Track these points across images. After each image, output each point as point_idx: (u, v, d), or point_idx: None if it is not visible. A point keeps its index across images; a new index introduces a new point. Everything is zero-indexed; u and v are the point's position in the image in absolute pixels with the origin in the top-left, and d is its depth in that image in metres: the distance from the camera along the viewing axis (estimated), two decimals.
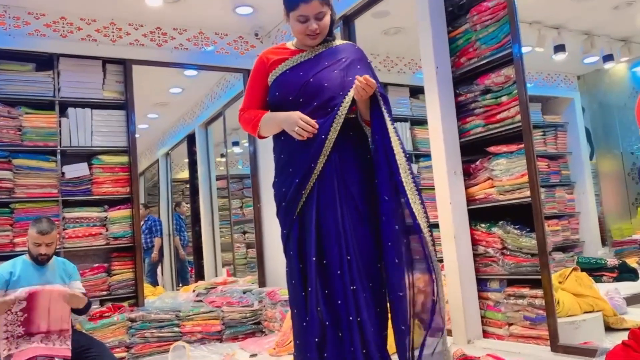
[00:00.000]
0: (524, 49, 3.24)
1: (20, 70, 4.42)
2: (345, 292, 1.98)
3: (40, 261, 3.42)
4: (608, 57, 3.98)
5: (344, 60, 2.18)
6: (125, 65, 4.78)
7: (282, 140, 2.17)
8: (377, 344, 1.99)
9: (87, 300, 3.45)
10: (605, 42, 3.93)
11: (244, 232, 6.61)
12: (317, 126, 2.05)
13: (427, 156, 4.32)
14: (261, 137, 2.26)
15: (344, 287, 1.98)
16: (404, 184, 2.00)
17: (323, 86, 2.09)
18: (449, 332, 3.46)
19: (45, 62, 4.53)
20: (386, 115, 2.05)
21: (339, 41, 2.29)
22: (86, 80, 4.64)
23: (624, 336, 2.19)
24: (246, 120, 2.25)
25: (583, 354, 2.77)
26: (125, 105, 4.76)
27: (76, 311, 3.43)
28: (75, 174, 4.51)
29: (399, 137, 2.08)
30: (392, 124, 2.06)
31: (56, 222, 3.75)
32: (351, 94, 2.07)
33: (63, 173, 4.46)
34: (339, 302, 1.97)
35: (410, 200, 1.99)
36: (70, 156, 4.58)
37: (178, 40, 5.06)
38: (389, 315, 2.07)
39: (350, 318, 1.96)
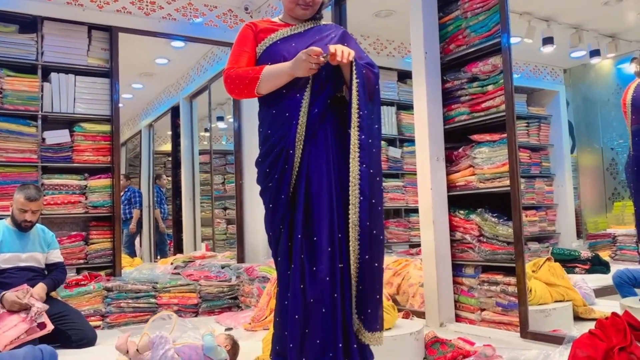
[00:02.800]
0: (513, 40, 3.26)
1: (3, 31, 4.32)
2: (334, 270, 1.98)
3: (23, 228, 3.39)
4: (595, 53, 4.01)
5: (333, 35, 2.18)
6: (111, 33, 4.70)
7: (272, 114, 2.10)
8: (352, 322, 2.02)
9: (54, 282, 3.47)
10: (593, 37, 3.96)
11: (225, 208, 6.61)
12: (321, 51, 1.97)
13: (412, 141, 4.33)
14: (256, 95, 2.11)
15: (333, 264, 1.98)
16: (353, 142, 1.99)
17: None
18: (422, 315, 3.52)
19: (29, 24, 4.43)
20: (354, 77, 2.00)
21: (324, 22, 2.30)
22: (70, 46, 4.55)
23: (591, 326, 2.26)
24: (240, 76, 2.08)
25: (551, 341, 2.84)
26: (109, 73, 4.69)
27: (53, 286, 3.47)
28: (56, 140, 4.44)
29: (367, 102, 2.02)
30: (358, 80, 1.99)
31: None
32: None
33: (44, 139, 4.40)
34: (327, 278, 1.97)
35: (352, 162, 1.98)
36: (52, 122, 4.51)
37: (166, 9, 4.98)
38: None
39: (335, 295, 1.97)
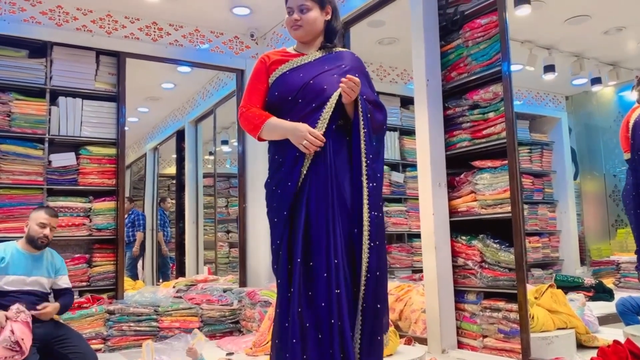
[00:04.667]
0: (515, 67, 3.31)
1: (13, 56, 4.41)
2: (330, 295, 1.99)
3: (39, 245, 3.38)
4: (596, 80, 4.05)
5: (343, 66, 2.22)
6: (119, 58, 4.78)
7: (277, 142, 2.17)
8: (353, 349, 2.01)
9: (62, 307, 3.46)
10: (594, 66, 4.00)
11: (228, 231, 6.61)
12: (324, 140, 2.07)
13: (414, 166, 4.34)
14: (260, 140, 2.22)
15: (329, 290, 1.99)
16: (363, 191, 2.08)
17: (323, 88, 2.11)
18: (424, 341, 3.50)
19: (39, 49, 4.52)
20: (361, 122, 2.09)
21: (339, 48, 2.33)
22: (79, 70, 4.63)
23: (594, 354, 2.25)
24: (248, 119, 2.20)
25: None
26: (116, 97, 4.76)
27: (59, 310, 3.44)
28: (62, 163, 4.49)
29: (372, 146, 2.12)
30: (365, 130, 2.09)
31: None
32: (336, 94, 2.10)
33: (50, 161, 4.45)
34: (323, 304, 1.99)
35: (364, 210, 2.07)
36: (58, 145, 4.57)
37: (173, 36, 5.07)
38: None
39: (332, 321, 1.97)
